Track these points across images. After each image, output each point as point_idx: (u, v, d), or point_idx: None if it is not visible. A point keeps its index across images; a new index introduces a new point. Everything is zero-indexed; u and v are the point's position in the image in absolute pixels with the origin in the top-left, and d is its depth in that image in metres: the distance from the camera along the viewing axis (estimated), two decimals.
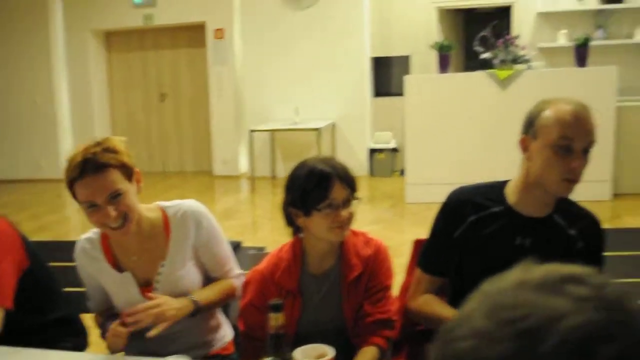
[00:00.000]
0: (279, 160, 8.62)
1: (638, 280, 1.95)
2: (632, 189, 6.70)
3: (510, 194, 1.90)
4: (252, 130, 8.06)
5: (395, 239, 5.01)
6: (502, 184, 1.94)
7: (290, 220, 1.91)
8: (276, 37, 8.46)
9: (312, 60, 8.37)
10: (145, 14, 8.92)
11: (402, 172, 7.61)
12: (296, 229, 1.92)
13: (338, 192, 1.81)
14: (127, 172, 1.87)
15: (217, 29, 8.65)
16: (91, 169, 1.78)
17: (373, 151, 8.39)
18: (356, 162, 8.38)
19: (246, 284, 1.97)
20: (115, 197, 1.82)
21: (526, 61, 6.46)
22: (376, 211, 6.72)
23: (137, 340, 1.91)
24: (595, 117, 1.79)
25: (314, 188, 1.80)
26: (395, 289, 2.09)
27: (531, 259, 1.90)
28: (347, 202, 1.84)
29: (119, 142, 1.89)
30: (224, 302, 2.11)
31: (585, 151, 1.76)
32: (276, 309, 1.51)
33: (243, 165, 8.94)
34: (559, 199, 1.86)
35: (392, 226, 6.05)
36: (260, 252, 4.76)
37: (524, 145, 1.83)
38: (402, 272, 2.28)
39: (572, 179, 1.76)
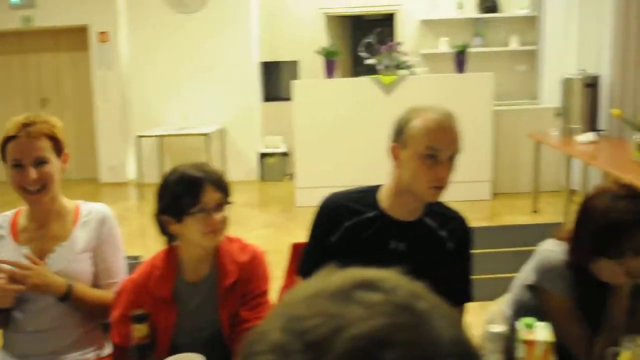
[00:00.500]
0: (167, 166, 8.42)
1: (515, 274, 2.09)
2: (509, 189, 7.07)
3: (383, 199, 1.96)
4: (140, 136, 7.88)
5: (286, 243, 5.04)
6: (375, 189, 1.99)
7: (163, 229, 1.89)
8: (163, 41, 8.32)
9: (200, 65, 8.29)
10: (23, 15, 8.53)
11: (292, 176, 7.67)
12: (170, 238, 1.91)
13: (210, 196, 1.81)
14: (58, 147, 2.02)
15: (101, 32, 8.40)
16: (26, 132, 1.94)
17: (264, 155, 8.40)
18: (247, 167, 8.37)
19: (118, 295, 1.93)
20: (40, 163, 1.95)
21: (409, 67, 6.68)
22: (267, 215, 6.74)
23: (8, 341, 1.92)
24: (458, 126, 1.88)
25: (185, 193, 1.80)
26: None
27: (403, 263, 1.97)
28: (219, 206, 1.84)
29: (58, 121, 2.07)
30: (97, 309, 2.05)
31: (451, 158, 1.84)
32: (139, 319, 1.49)
33: (131, 172, 8.72)
34: (429, 202, 1.94)
35: (283, 230, 6.09)
36: (135, 261, 4.66)
37: (394, 154, 1.89)
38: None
39: (439, 186, 1.84)
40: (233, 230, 1.99)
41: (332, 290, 0.56)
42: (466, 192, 6.84)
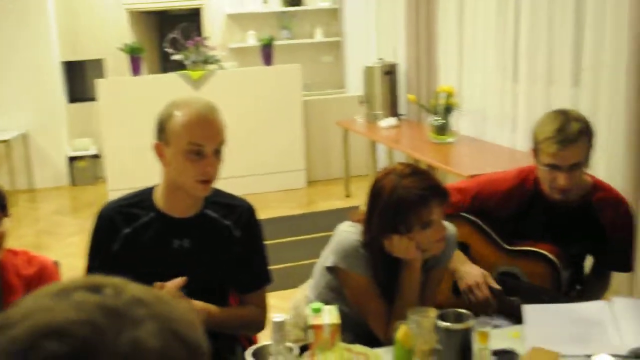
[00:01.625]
0: None
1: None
2: (323, 176, 7.30)
3: (159, 199, 1.93)
4: None
5: None
6: (150, 191, 1.96)
7: None
8: None
9: None
10: None
11: (105, 179, 7.36)
12: None
13: None
14: None
15: None
16: None
17: (73, 159, 7.98)
18: (55, 172, 7.90)
19: None
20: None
21: (217, 61, 6.65)
22: (79, 222, 6.41)
23: None
24: (222, 117, 1.87)
25: None
26: None
27: (190, 260, 1.94)
28: None
29: None
30: None
31: (217, 152, 1.84)
32: None
33: None
34: (211, 193, 1.94)
35: None
36: None
37: (159, 152, 1.87)
38: None
39: (207, 180, 1.84)
40: (43, 241, 1.88)
41: (60, 289, 0.57)
42: (282, 181, 6.98)
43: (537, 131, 2.24)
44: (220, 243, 1.95)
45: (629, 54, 3.12)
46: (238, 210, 2.00)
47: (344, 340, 2.02)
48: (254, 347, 1.60)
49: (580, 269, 2.43)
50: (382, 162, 6.58)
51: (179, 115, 1.80)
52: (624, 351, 1.67)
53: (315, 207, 6.40)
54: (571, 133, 2.13)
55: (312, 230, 5.45)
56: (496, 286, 2.26)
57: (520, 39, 4.24)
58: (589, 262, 2.46)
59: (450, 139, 4.88)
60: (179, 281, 1.77)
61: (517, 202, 2.36)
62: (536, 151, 2.24)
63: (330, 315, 1.58)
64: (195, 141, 1.79)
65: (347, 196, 6.61)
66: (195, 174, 1.80)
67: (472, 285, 2.27)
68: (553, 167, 2.17)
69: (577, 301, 2.10)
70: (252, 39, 8.24)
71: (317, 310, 1.58)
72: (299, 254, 4.85)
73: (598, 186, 2.33)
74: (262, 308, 2.08)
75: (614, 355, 1.58)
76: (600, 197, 2.29)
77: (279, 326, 1.49)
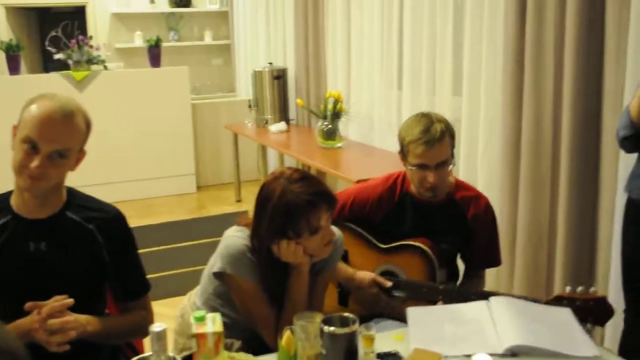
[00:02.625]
0: None
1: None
2: (214, 181, 7.23)
3: (14, 200, 1.86)
4: None
5: None
6: (9, 193, 1.88)
7: None
8: None
9: None
10: None
11: None
12: None
13: None
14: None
15: None
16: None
17: None
18: None
19: None
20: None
21: (102, 62, 6.43)
22: None
23: None
24: (80, 125, 1.80)
25: None
26: None
27: (48, 263, 1.86)
28: None
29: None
30: None
31: (56, 155, 1.74)
32: None
33: None
34: (68, 195, 1.89)
35: None
36: None
37: (13, 134, 1.80)
38: None
39: (34, 177, 1.74)
40: None
41: None
42: (172, 186, 6.85)
43: (403, 134, 2.36)
44: (82, 247, 1.88)
45: (504, 65, 3.29)
46: (104, 217, 1.93)
47: (231, 347, 2.01)
48: (136, 358, 1.56)
49: (454, 267, 2.55)
50: (273, 167, 6.60)
51: (33, 108, 1.75)
52: (500, 350, 1.75)
53: (206, 212, 6.32)
54: (435, 133, 2.27)
55: (203, 236, 5.38)
56: (387, 283, 2.34)
57: (404, 49, 4.37)
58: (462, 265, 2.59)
59: (338, 144, 4.95)
60: (55, 304, 1.70)
61: (388, 205, 2.47)
62: (404, 153, 2.37)
63: (213, 323, 1.56)
64: (31, 137, 1.72)
65: (238, 201, 6.58)
66: (24, 164, 1.73)
67: (366, 285, 2.35)
68: (421, 166, 2.30)
69: (455, 294, 2.18)
70: (139, 40, 8.03)
71: (200, 319, 1.55)
72: (189, 260, 4.76)
73: (460, 185, 2.50)
74: (147, 311, 2.03)
75: (492, 355, 1.65)
76: (462, 195, 2.46)
77: (159, 336, 1.46)
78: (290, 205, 1.88)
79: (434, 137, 2.26)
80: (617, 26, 2.72)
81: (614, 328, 2.70)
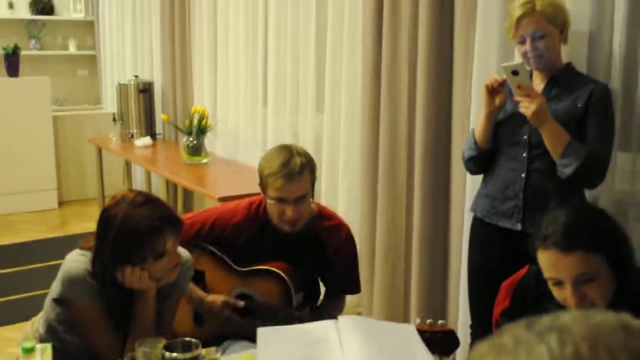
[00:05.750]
0: None
1: None
2: (77, 196, 6.93)
3: None
4: None
5: None
6: None
7: None
8: None
9: None
10: None
11: None
12: None
13: None
14: None
15: None
16: None
17: None
18: None
19: None
20: None
21: None
22: None
23: None
24: None
25: None
26: None
27: None
28: None
29: None
30: None
31: None
32: None
33: None
34: None
35: None
36: None
37: None
38: None
39: None
40: None
41: None
42: (31, 202, 6.51)
43: (263, 167, 2.31)
44: None
45: (363, 81, 3.39)
46: None
47: None
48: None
49: (313, 292, 2.55)
50: (139, 181, 6.42)
51: None
52: None
53: (69, 229, 6.03)
54: (295, 167, 2.24)
55: (64, 256, 5.10)
56: (239, 304, 2.31)
57: (269, 66, 4.41)
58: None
59: (204, 160, 4.90)
60: None
61: (249, 232, 2.42)
62: (263, 186, 2.32)
63: (43, 354, 1.49)
64: None
65: None
66: None
67: (216, 309, 2.31)
68: (280, 200, 2.27)
69: (310, 320, 2.20)
70: None
71: (28, 350, 1.48)
72: (49, 281, 4.51)
73: (323, 214, 2.47)
74: None
75: None
76: (324, 225, 2.43)
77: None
78: (134, 231, 1.83)
79: (293, 171, 2.22)
80: (464, 51, 2.86)
81: (463, 344, 2.82)
